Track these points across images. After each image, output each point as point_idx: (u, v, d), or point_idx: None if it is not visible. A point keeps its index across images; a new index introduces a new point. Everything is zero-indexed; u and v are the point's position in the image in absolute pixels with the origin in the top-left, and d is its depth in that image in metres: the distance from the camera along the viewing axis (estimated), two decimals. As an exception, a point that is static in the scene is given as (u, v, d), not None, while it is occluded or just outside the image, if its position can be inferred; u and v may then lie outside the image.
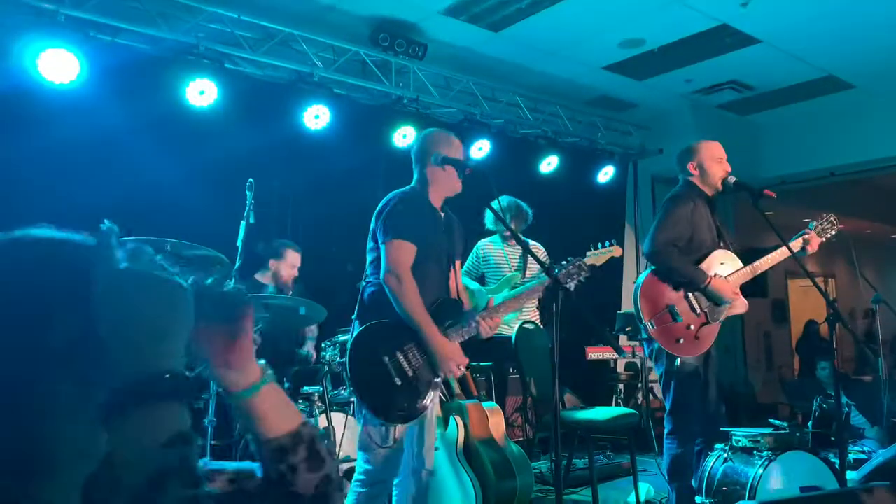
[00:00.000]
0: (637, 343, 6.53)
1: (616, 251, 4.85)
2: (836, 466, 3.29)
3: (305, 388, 4.12)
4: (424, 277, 2.82)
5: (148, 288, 0.79)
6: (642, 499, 4.51)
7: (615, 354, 6.61)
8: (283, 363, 4.44)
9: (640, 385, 6.84)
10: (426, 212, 2.95)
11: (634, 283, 3.65)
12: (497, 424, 3.77)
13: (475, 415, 3.71)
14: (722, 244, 3.69)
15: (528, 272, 4.94)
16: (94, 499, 0.68)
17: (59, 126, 4.31)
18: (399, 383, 2.73)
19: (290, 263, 4.69)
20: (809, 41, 5.87)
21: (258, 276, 4.75)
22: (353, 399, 3.23)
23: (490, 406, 3.85)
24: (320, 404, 3.99)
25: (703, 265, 3.55)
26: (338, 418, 4.12)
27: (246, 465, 0.96)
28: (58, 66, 4.23)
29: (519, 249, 4.99)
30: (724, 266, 3.60)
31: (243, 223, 3.34)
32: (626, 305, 7.46)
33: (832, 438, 5.13)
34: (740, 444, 3.43)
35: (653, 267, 3.59)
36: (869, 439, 5.66)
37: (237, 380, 0.94)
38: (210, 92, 4.76)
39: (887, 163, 7.25)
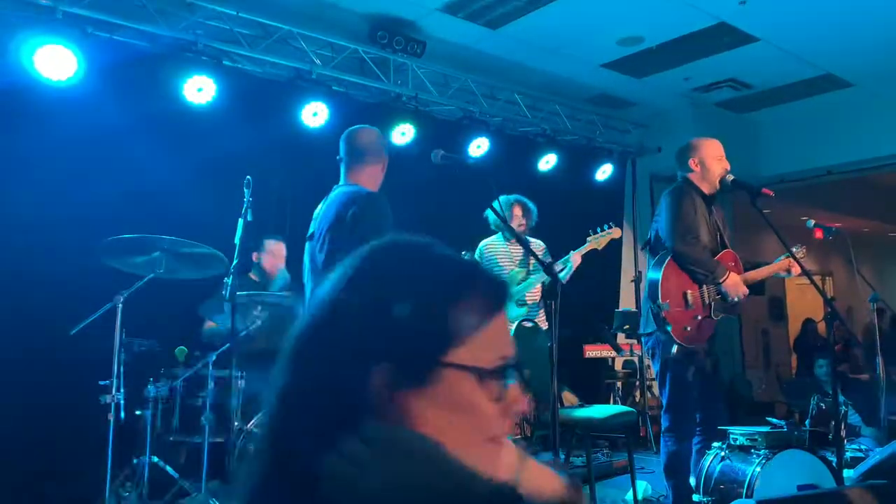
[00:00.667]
0: (635, 341, 6.54)
1: (615, 233, 4.90)
2: (834, 465, 3.29)
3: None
4: None
5: None
6: (640, 497, 4.51)
7: (613, 353, 6.62)
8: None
9: (637, 383, 6.85)
10: None
11: (648, 275, 3.64)
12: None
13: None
14: (722, 244, 3.70)
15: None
16: None
17: (57, 124, 4.31)
18: None
19: (270, 253, 4.71)
20: (808, 39, 5.87)
21: (251, 275, 4.75)
22: None
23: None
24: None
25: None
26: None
27: None
28: (55, 63, 4.21)
29: (521, 247, 5.05)
30: (733, 266, 3.63)
31: (241, 221, 3.32)
32: (625, 304, 7.47)
33: (829, 437, 5.13)
34: (738, 443, 3.44)
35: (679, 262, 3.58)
36: (866, 437, 5.66)
37: None
38: (208, 89, 4.75)
39: (885, 161, 7.25)
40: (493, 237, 5.07)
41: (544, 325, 4.97)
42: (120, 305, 3.60)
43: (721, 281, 3.51)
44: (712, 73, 6.64)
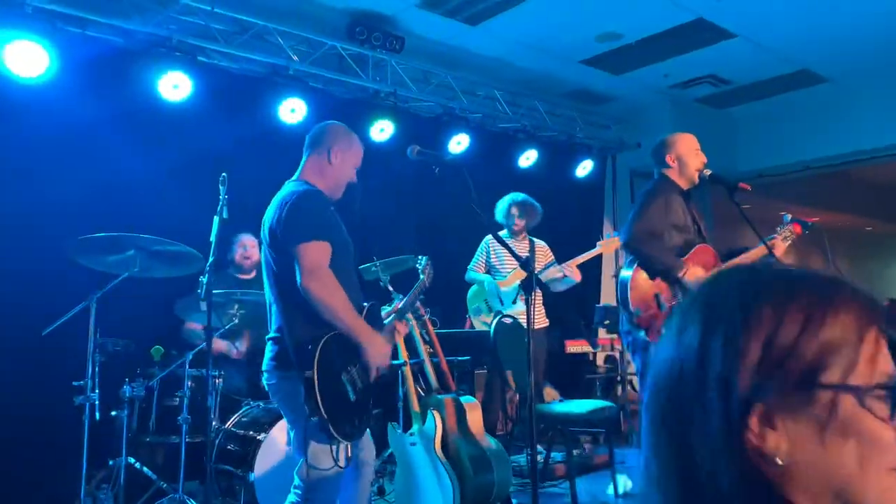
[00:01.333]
0: (616, 336, 6.58)
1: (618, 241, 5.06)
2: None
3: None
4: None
5: None
6: (620, 491, 4.54)
7: (592, 348, 6.70)
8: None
9: (618, 378, 6.88)
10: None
11: (620, 275, 3.65)
12: (475, 419, 3.77)
13: (452, 410, 3.70)
14: (701, 238, 3.71)
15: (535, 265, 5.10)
16: None
17: (29, 122, 4.24)
18: (353, 399, 2.62)
19: (240, 244, 4.68)
20: (784, 35, 5.92)
21: (233, 273, 4.72)
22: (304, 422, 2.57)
23: (468, 401, 3.84)
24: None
25: (686, 258, 3.57)
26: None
27: None
28: (25, 59, 4.13)
29: (526, 243, 5.27)
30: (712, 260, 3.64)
31: (216, 218, 3.28)
32: (605, 299, 7.50)
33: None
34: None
35: (635, 259, 3.60)
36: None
37: None
38: (184, 85, 4.69)
39: (861, 156, 7.33)
40: (503, 232, 5.20)
41: (540, 316, 5.07)
42: (94, 305, 3.55)
43: (680, 276, 3.49)
44: (691, 69, 6.68)
